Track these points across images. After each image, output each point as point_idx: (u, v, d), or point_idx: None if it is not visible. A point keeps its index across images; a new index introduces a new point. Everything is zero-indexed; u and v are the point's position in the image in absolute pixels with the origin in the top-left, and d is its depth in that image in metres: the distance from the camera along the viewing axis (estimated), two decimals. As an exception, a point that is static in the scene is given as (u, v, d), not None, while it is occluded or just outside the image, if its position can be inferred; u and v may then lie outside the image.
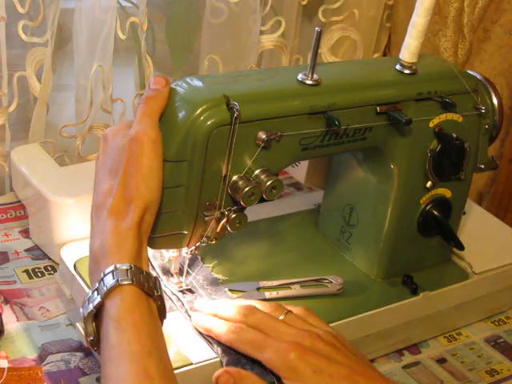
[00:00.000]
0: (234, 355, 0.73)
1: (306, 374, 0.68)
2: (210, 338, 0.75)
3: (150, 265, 0.83)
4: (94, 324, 0.64)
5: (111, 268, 0.64)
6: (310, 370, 0.68)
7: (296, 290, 0.83)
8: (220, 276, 0.83)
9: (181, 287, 0.80)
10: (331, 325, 0.79)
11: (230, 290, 0.81)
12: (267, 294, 0.81)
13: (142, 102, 0.71)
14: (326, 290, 0.84)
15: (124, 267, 0.64)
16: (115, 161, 0.69)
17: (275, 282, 0.83)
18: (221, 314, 0.76)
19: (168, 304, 0.79)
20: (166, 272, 0.81)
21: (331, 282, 0.84)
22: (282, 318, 0.75)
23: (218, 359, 0.73)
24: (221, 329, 0.74)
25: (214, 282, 0.82)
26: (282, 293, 0.82)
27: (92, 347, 0.65)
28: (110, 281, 0.63)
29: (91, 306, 0.64)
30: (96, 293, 0.64)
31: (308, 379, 0.68)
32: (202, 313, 0.77)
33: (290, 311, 0.76)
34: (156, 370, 0.61)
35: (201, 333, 0.76)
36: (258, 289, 0.82)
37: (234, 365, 0.72)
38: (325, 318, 0.80)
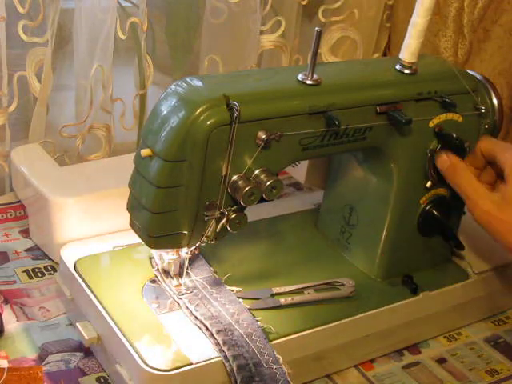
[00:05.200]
0: (242, 359, 0.73)
1: None
2: (212, 338, 0.75)
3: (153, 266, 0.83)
4: None
5: None
6: None
7: (310, 295, 0.83)
8: (234, 288, 0.82)
9: (180, 290, 0.80)
10: (330, 325, 0.80)
11: (244, 299, 0.81)
12: (282, 300, 0.81)
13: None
14: (340, 294, 0.83)
15: None
16: None
17: (288, 288, 0.83)
18: None
19: (168, 301, 0.79)
20: (166, 274, 0.81)
21: (343, 285, 0.84)
22: None
23: (219, 359, 0.73)
24: None
25: (217, 283, 0.82)
26: (297, 298, 0.82)
27: None
28: None
29: None
30: None
31: None
32: None
33: None
34: None
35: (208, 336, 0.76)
36: (272, 295, 0.82)
37: (243, 368, 0.72)
38: (325, 318, 0.80)
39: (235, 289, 0.82)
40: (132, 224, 0.76)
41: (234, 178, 0.72)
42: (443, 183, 0.86)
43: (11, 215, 1.02)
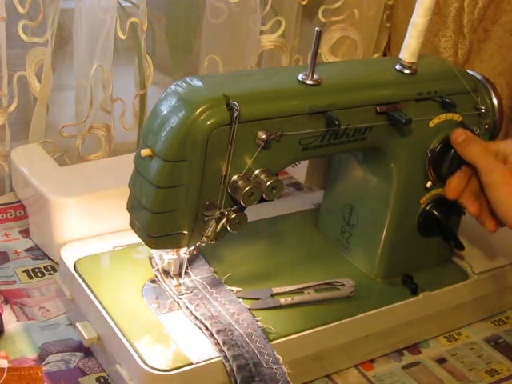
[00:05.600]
0: (242, 359, 0.73)
1: None
2: (211, 338, 0.75)
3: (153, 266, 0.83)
4: None
5: None
6: None
7: (310, 295, 0.83)
8: (234, 288, 0.82)
9: (180, 290, 0.80)
10: (330, 325, 0.80)
11: (244, 299, 0.81)
12: (282, 300, 0.81)
13: None
14: (340, 294, 0.83)
15: None
16: None
17: (288, 288, 0.83)
18: None
19: (168, 301, 0.79)
20: (166, 274, 0.81)
21: (343, 285, 0.84)
22: None
23: (219, 359, 0.73)
24: None
25: (217, 283, 0.82)
26: (297, 298, 0.82)
27: None
28: None
29: None
30: None
31: None
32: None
33: None
34: None
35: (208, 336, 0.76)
36: (272, 295, 0.82)
37: (243, 368, 0.72)
38: (325, 318, 0.80)
39: (235, 289, 0.82)
40: (132, 224, 0.76)
41: (234, 177, 0.72)
42: (443, 183, 0.86)
43: (11, 215, 1.02)
